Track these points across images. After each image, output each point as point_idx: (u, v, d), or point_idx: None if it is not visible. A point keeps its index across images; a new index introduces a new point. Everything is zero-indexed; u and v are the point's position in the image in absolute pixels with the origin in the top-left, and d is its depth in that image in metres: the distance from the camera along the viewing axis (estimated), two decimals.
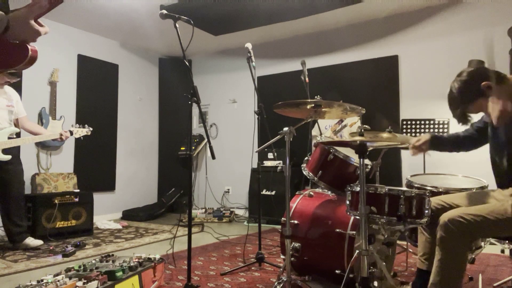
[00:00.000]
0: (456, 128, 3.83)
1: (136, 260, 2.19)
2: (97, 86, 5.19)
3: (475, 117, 1.93)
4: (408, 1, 4.23)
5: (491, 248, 3.18)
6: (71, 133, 3.56)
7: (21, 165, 3.52)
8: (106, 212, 5.17)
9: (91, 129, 3.74)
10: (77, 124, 3.69)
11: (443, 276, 1.64)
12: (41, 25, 1.02)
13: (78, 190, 4.29)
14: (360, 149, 1.80)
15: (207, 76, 6.10)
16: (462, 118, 1.88)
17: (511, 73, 3.26)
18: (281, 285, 2.10)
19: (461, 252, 1.65)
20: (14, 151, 3.38)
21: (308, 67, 3.47)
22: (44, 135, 3.53)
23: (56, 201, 3.84)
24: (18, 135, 3.50)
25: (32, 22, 0.99)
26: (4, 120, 3.34)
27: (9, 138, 3.32)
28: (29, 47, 1.04)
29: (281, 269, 2.25)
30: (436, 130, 3.64)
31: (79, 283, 1.77)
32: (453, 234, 1.62)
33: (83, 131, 3.66)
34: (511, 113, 1.50)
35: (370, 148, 1.94)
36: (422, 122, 3.69)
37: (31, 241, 3.41)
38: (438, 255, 1.66)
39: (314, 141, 2.59)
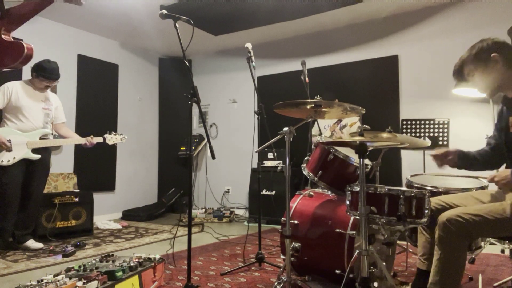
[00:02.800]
0: (456, 127, 3.85)
1: (136, 260, 2.19)
2: (97, 86, 5.19)
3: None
4: (408, 1, 4.23)
5: (491, 248, 3.18)
6: (104, 139, 3.58)
7: (48, 169, 3.61)
8: (106, 212, 5.17)
9: (126, 137, 3.73)
10: (113, 132, 3.67)
11: (442, 275, 1.64)
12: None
13: (78, 190, 4.29)
14: (360, 149, 1.80)
15: (207, 76, 6.11)
16: (459, 71, 1.89)
17: None
18: (281, 285, 2.10)
19: (460, 251, 1.65)
20: (44, 153, 3.44)
21: (308, 67, 3.47)
22: (71, 139, 3.60)
23: (56, 201, 3.83)
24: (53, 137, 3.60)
25: None
26: (39, 121, 3.42)
27: (41, 139, 3.40)
28: (24, 45, 1.04)
29: (281, 269, 2.25)
30: (436, 130, 3.64)
31: (79, 283, 1.77)
32: (452, 234, 1.62)
33: (117, 138, 3.65)
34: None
35: (370, 148, 1.94)
36: (422, 122, 3.69)
37: (32, 243, 3.42)
38: (437, 255, 1.66)
39: (314, 141, 2.58)
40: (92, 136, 3.56)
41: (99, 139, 3.57)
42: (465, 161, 1.98)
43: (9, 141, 3.20)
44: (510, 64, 1.75)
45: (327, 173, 2.39)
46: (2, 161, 3.19)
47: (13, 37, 1.10)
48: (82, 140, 3.52)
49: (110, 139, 3.61)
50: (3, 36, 1.05)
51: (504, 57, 1.75)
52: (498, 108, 1.92)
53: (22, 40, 1.07)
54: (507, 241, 2.88)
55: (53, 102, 3.61)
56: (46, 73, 3.40)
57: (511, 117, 1.80)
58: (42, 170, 3.50)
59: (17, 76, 4.22)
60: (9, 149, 3.19)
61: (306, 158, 2.55)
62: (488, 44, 1.79)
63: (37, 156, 3.35)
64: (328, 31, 5.03)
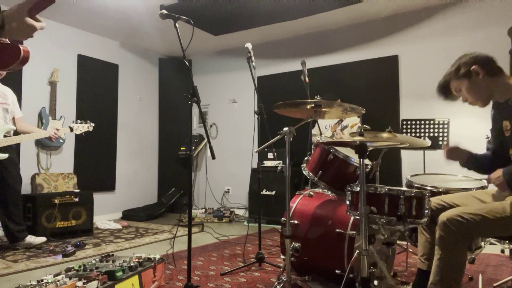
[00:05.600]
0: (456, 127, 3.85)
1: (136, 260, 2.19)
2: (97, 86, 5.19)
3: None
4: (408, 1, 4.23)
5: (491, 248, 3.18)
6: (71, 129, 3.49)
7: (17, 164, 3.48)
8: (106, 212, 5.17)
9: (93, 124, 3.63)
10: (78, 120, 3.59)
11: (442, 275, 1.64)
12: (37, 20, 1.01)
13: (78, 190, 4.29)
14: (360, 149, 1.80)
15: (207, 76, 6.11)
16: (444, 88, 1.94)
17: (511, 73, 3.26)
18: (281, 285, 2.10)
19: (460, 251, 1.65)
20: (11, 150, 3.35)
21: (308, 67, 3.47)
22: (36, 134, 3.46)
23: (56, 201, 3.83)
24: (16, 133, 3.45)
25: (27, 18, 0.98)
26: None
27: (5, 136, 3.27)
28: (21, 47, 1.05)
29: (281, 269, 2.25)
30: (436, 130, 3.64)
31: (79, 283, 1.77)
32: (452, 234, 1.62)
33: (84, 127, 3.56)
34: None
35: (370, 148, 1.94)
36: (422, 122, 3.69)
37: (33, 239, 3.40)
38: (437, 255, 1.66)
39: (314, 141, 2.58)
40: (57, 128, 3.47)
41: (66, 130, 3.48)
42: (474, 163, 2.00)
43: None
44: (491, 72, 1.80)
45: (327, 173, 2.39)
46: None
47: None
48: (46, 134, 3.42)
49: (77, 128, 3.52)
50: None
51: (484, 68, 1.80)
52: (491, 113, 1.94)
53: (20, 43, 1.07)
54: (507, 241, 2.88)
55: (9, 96, 3.44)
56: None
57: (505, 121, 1.83)
58: (13, 167, 3.37)
59: (17, 75, 4.23)
60: None
61: (306, 158, 2.56)
62: (467, 59, 1.85)
63: (4, 156, 3.20)
64: (328, 31, 5.03)
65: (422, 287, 1.93)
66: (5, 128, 3.28)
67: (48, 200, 3.82)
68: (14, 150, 3.46)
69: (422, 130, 3.68)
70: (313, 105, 2.08)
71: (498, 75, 1.81)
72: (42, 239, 3.41)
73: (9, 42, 1.05)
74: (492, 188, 2.00)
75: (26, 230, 3.47)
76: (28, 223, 3.68)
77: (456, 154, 2.02)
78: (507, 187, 1.71)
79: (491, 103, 1.94)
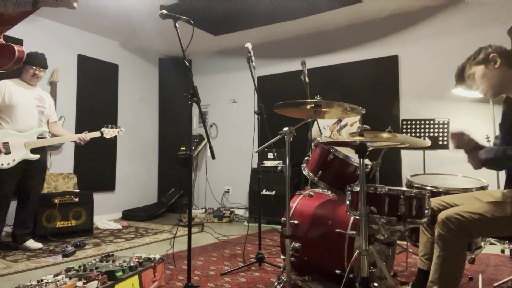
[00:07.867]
0: (456, 127, 3.84)
1: (136, 260, 2.19)
2: (97, 86, 5.19)
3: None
4: (408, 1, 4.23)
5: (491, 248, 3.18)
6: (101, 133, 3.57)
7: (45, 167, 3.61)
8: (106, 212, 5.17)
9: (123, 129, 3.72)
10: (109, 125, 3.65)
11: (441, 273, 1.64)
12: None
13: (78, 190, 4.29)
14: (360, 149, 1.80)
15: (207, 76, 6.11)
16: (460, 74, 1.92)
17: None
18: (281, 285, 2.10)
19: (459, 249, 1.66)
20: (42, 152, 3.43)
21: (308, 67, 3.47)
22: (67, 136, 3.60)
23: (56, 201, 3.83)
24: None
25: None
26: (34, 120, 3.38)
27: (38, 138, 3.37)
28: (15, 47, 1.05)
29: (281, 269, 2.25)
30: (436, 130, 3.64)
31: (79, 283, 1.77)
32: (451, 232, 1.62)
33: (114, 132, 3.64)
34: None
35: (370, 148, 1.94)
36: (422, 122, 3.69)
37: (31, 243, 3.42)
38: (437, 253, 1.67)
39: (314, 141, 2.58)
40: (86, 131, 3.53)
41: (96, 134, 3.55)
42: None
43: (6, 143, 3.14)
44: (509, 63, 1.76)
45: (327, 173, 2.39)
46: (2, 164, 3.12)
47: (4, 35, 1.10)
48: (75, 137, 3.51)
49: (108, 132, 3.59)
50: None
51: (502, 57, 1.76)
52: (503, 108, 1.92)
53: (15, 43, 1.07)
54: (507, 241, 2.89)
55: (46, 100, 3.58)
56: (31, 59, 3.36)
57: None
58: (40, 169, 3.48)
59: (17, 75, 4.21)
60: (7, 152, 3.14)
61: (306, 158, 2.56)
62: (487, 48, 1.82)
63: (36, 156, 3.32)
64: (328, 31, 5.03)
65: (422, 286, 1.93)
66: (38, 130, 3.39)
67: (48, 200, 3.82)
68: (46, 152, 3.58)
69: (422, 130, 3.68)
70: (313, 105, 2.08)
71: None
72: (39, 245, 3.44)
73: (3, 42, 1.06)
74: (493, 188, 2.00)
75: (29, 234, 3.49)
76: None
77: (462, 139, 1.96)
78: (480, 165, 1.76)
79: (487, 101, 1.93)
